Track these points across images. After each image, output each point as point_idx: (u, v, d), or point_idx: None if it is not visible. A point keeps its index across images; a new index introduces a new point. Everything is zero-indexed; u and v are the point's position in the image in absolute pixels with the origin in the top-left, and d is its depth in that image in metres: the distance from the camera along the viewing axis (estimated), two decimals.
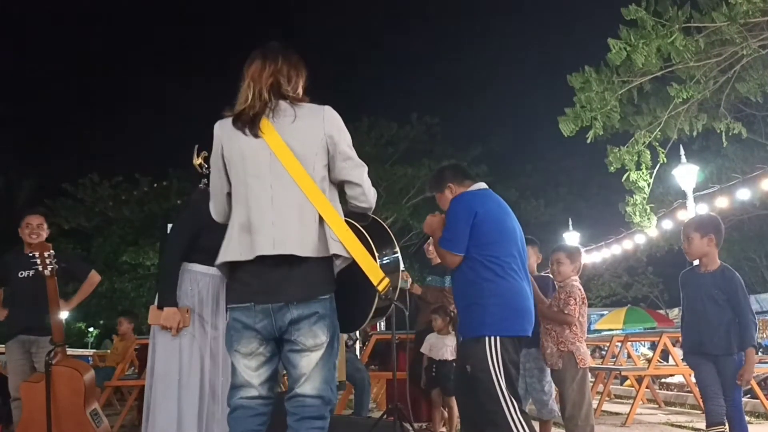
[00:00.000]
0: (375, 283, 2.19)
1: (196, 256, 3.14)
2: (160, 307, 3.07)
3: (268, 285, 2.15)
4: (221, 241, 2.27)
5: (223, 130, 2.29)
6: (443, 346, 5.09)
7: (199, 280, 3.15)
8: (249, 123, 2.22)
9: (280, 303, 2.15)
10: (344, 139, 2.27)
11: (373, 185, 2.35)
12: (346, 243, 2.17)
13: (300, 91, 2.34)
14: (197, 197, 3.19)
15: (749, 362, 3.53)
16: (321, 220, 2.18)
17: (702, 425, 4.41)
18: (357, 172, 2.28)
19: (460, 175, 3.32)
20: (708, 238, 3.66)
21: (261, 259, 2.14)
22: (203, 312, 3.13)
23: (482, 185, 3.27)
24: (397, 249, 2.70)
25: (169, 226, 4.34)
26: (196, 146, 3.11)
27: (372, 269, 2.20)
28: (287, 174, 2.18)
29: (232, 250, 2.20)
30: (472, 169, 14.16)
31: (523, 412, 2.85)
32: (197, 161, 3.13)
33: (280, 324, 2.16)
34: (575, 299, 3.86)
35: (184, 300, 3.12)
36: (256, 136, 2.21)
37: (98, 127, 31.27)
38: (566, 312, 3.83)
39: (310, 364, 2.16)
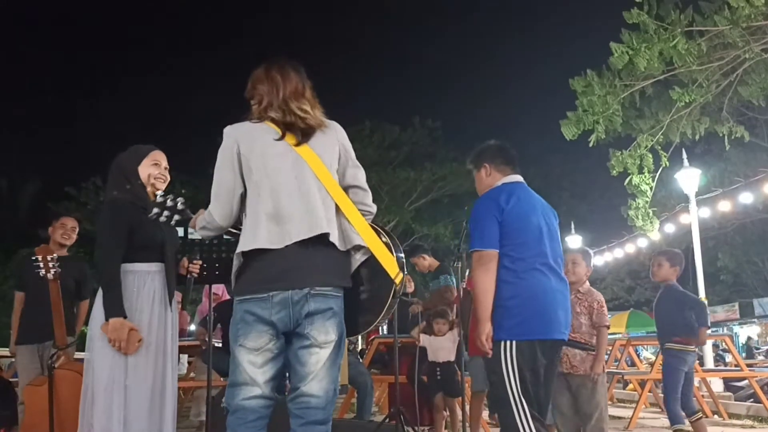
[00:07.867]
0: (392, 276, 2.25)
1: (134, 255, 2.88)
2: (106, 320, 2.76)
3: (290, 271, 2.14)
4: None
5: (239, 131, 2.28)
6: (441, 347, 5.09)
7: (142, 278, 2.91)
8: (275, 132, 2.25)
9: (299, 289, 2.13)
10: (351, 148, 2.41)
11: (376, 189, 2.40)
12: (365, 236, 2.24)
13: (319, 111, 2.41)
14: (114, 196, 2.96)
15: None
16: (340, 213, 2.26)
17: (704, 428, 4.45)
18: (363, 178, 2.40)
19: (500, 159, 3.11)
20: (674, 269, 4.50)
21: (287, 247, 2.15)
22: (153, 310, 2.90)
23: (516, 178, 3.08)
24: (402, 252, 2.72)
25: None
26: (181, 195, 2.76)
27: (389, 262, 2.26)
28: (309, 169, 2.24)
29: (261, 237, 2.15)
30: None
31: (535, 418, 2.74)
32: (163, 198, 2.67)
33: (297, 316, 2.14)
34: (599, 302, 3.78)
35: (132, 301, 2.84)
36: (279, 142, 2.25)
37: (101, 130, 31.37)
38: (606, 323, 3.74)
39: (319, 361, 2.15)
